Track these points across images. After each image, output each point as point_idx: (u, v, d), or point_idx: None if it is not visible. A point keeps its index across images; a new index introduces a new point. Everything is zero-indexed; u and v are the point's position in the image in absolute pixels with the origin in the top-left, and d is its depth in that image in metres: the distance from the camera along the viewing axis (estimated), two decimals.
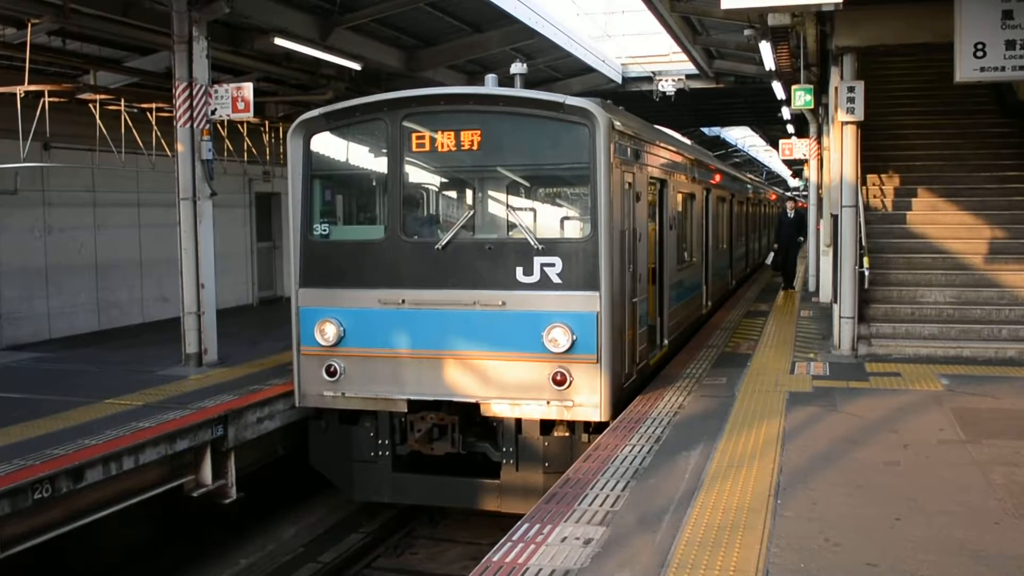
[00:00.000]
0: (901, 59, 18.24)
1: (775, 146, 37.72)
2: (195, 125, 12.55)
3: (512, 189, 10.47)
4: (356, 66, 17.06)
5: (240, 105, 12.56)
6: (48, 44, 14.02)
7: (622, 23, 30.51)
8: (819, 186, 22.43)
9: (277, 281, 22.32)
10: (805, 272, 24.18)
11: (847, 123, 13.02)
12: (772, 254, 23.99)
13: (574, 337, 9.47)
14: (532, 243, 9.62)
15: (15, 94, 13.31)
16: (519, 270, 9.67)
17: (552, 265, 9.59)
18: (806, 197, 27.49)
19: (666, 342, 12.73)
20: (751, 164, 58.54)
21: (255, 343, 14.72)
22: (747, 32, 15.79)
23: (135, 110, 16.33)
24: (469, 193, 10.98)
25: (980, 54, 10.56)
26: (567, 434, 9.88)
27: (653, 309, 12.29)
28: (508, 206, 10.27)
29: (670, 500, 6.83)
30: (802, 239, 23.91)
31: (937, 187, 15.71)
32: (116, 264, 17.19)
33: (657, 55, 24.51)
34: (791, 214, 22.87)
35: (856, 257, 12.97)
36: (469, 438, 10.19)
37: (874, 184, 15.94)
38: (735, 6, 8.99)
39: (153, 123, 16.37)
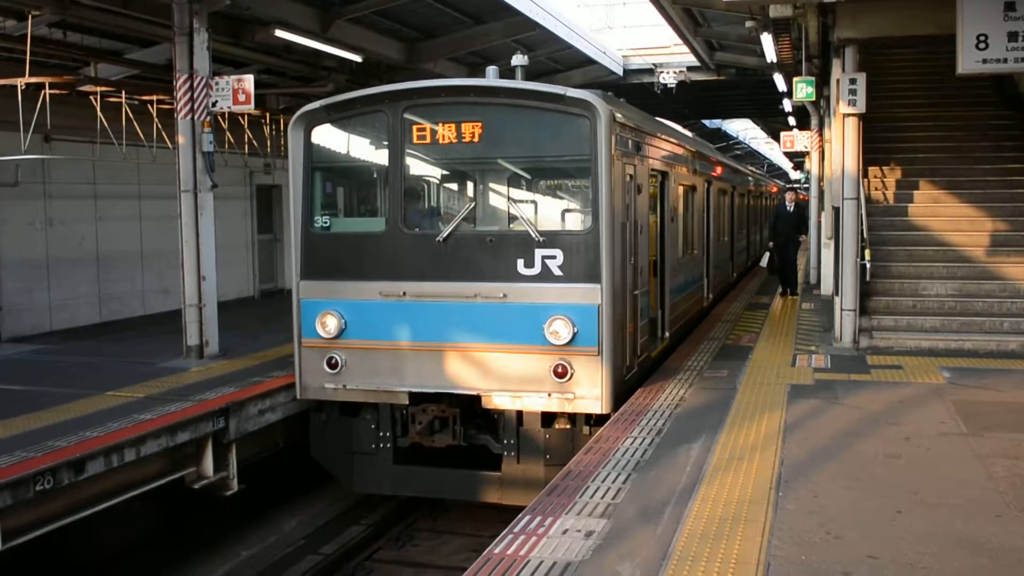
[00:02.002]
0: (903, 51, 18.21)
1: (776, 138, 37.70)
2: (196, 117, 12.53)
3: (513, 181, 10.47)
4: (357, 58, 17.04)
5: (241, 97, 12.55)
6: (49, 36, 14.00)
7: (623, 15, 30.35)
8: (821, 179, 22.40)
9: (278, 273, 22.31)
10: (807, 264, 23.85)
11: (849, 115, 13.00)
12: (767, 255, 20.03)
13: (575, 329, 9.47)
14: (533, 235, 9.61)
15: (16, 86, 13.27)
16: (520, 262, 9.66)
17: (553, 257, 9.58)
18: (807, 189, 27.42)
19: (667, 334, 12.73)
20: (752, 156, 58.45)
21: (256, 335, 14.72)
22: (748, 24, 15.77)
23: (136, 102, 16.30)
24: (470, 185, 10.98)
25: (982, 46, 10.54)
26: (568, 426, 9.90)
27: (654, 301, 12.29)
28: (509, 198, 10.27)
29: (671, 492, 6.84)
30: (803, 236, 20.73)
31: (939, 179, 15.70)
32: (117, 256, 17.19)
33: (658, 47, 24.48)
34: (790, 207, 19.36)
35: (857, 250, 12.96)
36: (470, 430, 10.20)
37: (876, 176, 15.93)
38: None
39: (154, 115, 16.35)
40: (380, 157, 10.48)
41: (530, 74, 11.50)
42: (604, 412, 9.54)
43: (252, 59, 16.65)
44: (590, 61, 22.94)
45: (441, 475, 10.40)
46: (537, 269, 9.63)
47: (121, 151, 15.71)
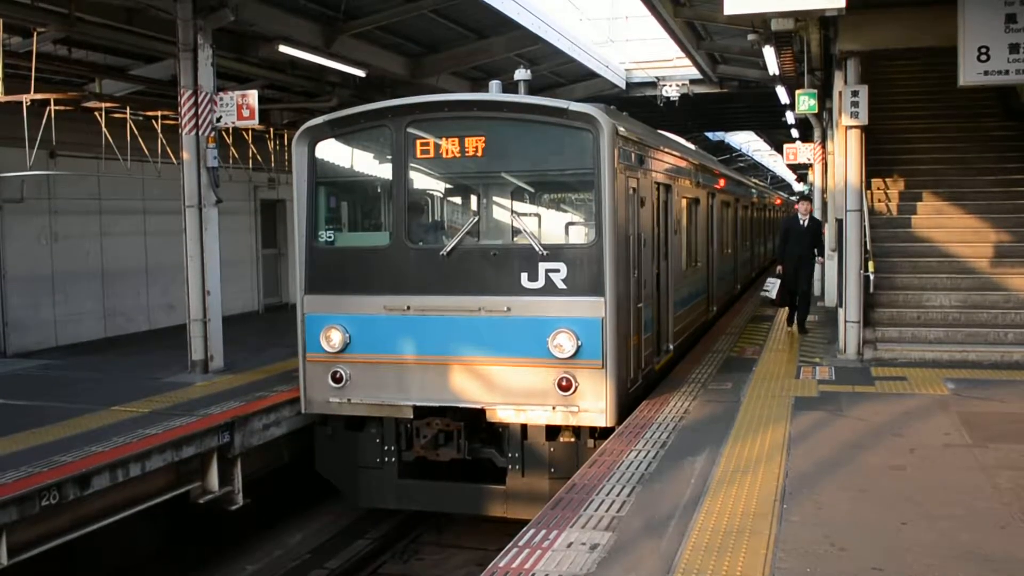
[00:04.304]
0: (905, 63, 18.24)
1: (779, 150, 37.72)
2: (200, 133, 12.59)
3: (516, 195, 10.49)
4: (360, 73, 17.10)
5: (245, 112, 12.60)
6: (54, 52, 14.08)
7: (626, 28, 30.57)
8: (824, 190, 22.39)
9: (283, 288, 22.35)
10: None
11: (851, 127, 13.01)
12: (776, 281, 15.66)
13: (579, 343, 9.47)
14: (537, 249, 9.62)
15: (21, 102, 13.35)
16: (524, 276, 9.68)
17: (557, 271, 9.60)
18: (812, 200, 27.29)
19: (671, 347, 12.73)
20: (755, 169, 58.50)
21: (261, 350, 14.74)
22: (751, 37, 15.81)
23: (140, 118, 16.38)
24: (474, 199, 11.01)
25: (984, 58, 10.57)
26: (573, 439, 9.89)
27: (658, 314, 12.28)
28: (513, 212, 10.29)
29: (676, 505, 6.84)
30: (819, 257, 15.90)
31: (942, 191, 15.70)
32: (122, 272, 17.23)
33: (661, 60, 24.54)
34: (803, 220, 15.21)
35: (861, 261, 12.96)
36: (475, 444, 10.19)
37: (879, 188, 15.94)
38: (738, 11, 9.00)
39: (159, 131, 16.42)
40: (384, 172, 10.52)
41: (533, 88, 11.54)
42: (608, 425, 9.53)
43: (256, 74, 16.73)
44: (593, 75, 23.00)
45: (446, 489, 10.39)
46: (541, 282, 9.64)
47: (126, 167, 15.79)
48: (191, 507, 10.01)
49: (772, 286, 15.80)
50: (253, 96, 12.67)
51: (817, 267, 16.91)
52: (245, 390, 11.62)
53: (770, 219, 33.71)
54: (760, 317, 18.30)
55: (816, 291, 21.36)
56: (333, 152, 10.69)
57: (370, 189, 11.19)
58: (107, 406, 10.78)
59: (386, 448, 10.41)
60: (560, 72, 22.40)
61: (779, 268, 15.59)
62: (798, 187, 64.41)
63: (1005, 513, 6.57)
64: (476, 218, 10.46)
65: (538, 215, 10.47)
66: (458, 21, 17.39)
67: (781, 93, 21.08)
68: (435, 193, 11.06)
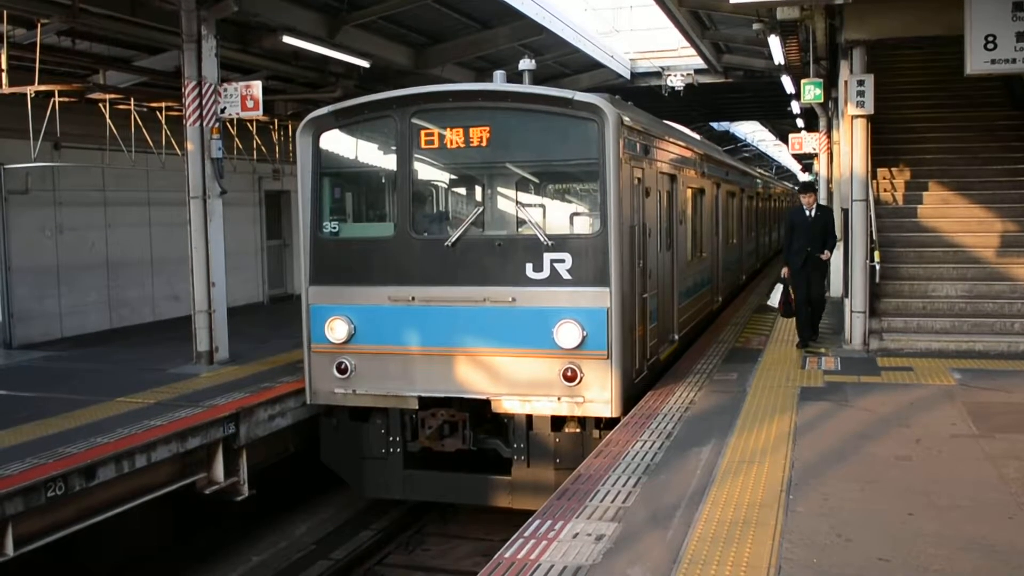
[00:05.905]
0: (911, 52, 18.17)
1: (785, 140, 37.66)
2: (204, 124, 12.57)
3: (521, 185, 10.48)
4: (364, 64, 17.06)
5: (249, 103, 12.59)
6: (57, 44, 14.06)
7: (630, 18, 30.42)
8: (829, 180, 22.32)
9: (287, 279, 22.36)
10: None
11: (857, 117, 12.97)
12: (779, 287, 13.96)
13: (584, 333, 9.47)
14: (542, 239, 9.61)
15: (26, 94, 13.35)
16: (529, 266, 9.67)
17: (562, 261, 9.58)
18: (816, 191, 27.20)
19: (676, 337, 12.71)
20: (761, 159, 58.39)
21: (266, 341, 14.75)
22: (756, 26, 15.76)
23: (145, 109, 16.37)
24: (478, 190, 10.99)
25: (991, 46, 10.52)
26: (578, 430, 9.89)
27: (663, 304, 12.27)
28: (517, 202, 10.28)
29: (682, 496, 6.83)
30: (827, 254, 13.13)
31: (948, 180, 15.64)
32: (127, 263, 17.25)
33: (665, 50, 24.45)
34: (811, 212, 12.95)
35: (867, 251, 12.92)
36: (480, 435, 10.20)
37: (884, 178, 15.88)
38: (744, 0, 8.98)
39: (163, 122, 16.40)
40: (388, 162, 10.50)
41: (537, 78, 11.51)
42: (614, 416, 9.53)
43: (260, 65, 16.69)
44: (597, 65, 22.93)
45: (451, 479, 10.40)
46: (546, 273, 9.62)
47: (130, 158, 15.78)
48: (197, 498, 10.02)
49: (776, 293, 13.76)
50: (257, 87, 12.66)
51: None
52: (250, 381, 11.62)
53: (775, 209, 33.66)
54: (766, 308, 18.27)
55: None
56: (337, 143, 10.67)
57: (374, 180, 11.18)
58: (112, 397, 10.79)
59: (391, 439, 10.43)
60: (565, 62, 22.33)
61: (784, 271, 13.24)
62: (803, 177, 64.22)
63: (1012, 503, 6.55)
64: (481, 208, 10.45)
65: (543, 205, 10.47)
66: (462, 11, 17.34)
67: (786, 83, 21.02)
68: (439, 183, 11.05)
